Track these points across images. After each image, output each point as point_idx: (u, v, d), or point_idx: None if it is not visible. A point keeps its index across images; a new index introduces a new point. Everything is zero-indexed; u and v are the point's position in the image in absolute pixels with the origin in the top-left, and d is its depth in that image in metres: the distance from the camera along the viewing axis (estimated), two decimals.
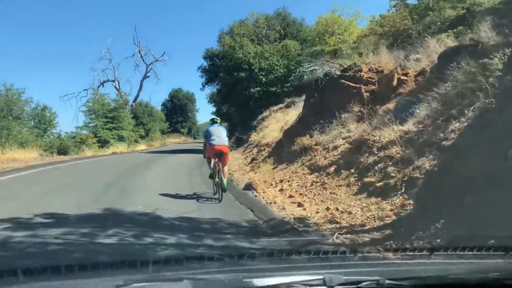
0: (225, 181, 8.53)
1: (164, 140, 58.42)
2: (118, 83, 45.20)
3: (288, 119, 17.73)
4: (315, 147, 11.07)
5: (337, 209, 7.02)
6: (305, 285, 1.46)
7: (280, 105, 23.81)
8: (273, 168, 12.39)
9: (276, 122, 20.63)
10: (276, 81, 26.73)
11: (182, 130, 78.71)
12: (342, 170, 8.69)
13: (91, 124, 38.13)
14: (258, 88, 26.60)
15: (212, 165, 8.77)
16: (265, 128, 21.43)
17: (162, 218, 6.85)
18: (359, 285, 1.47)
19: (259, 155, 15.38)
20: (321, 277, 1.46)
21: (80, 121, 60.07)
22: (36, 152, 24.93)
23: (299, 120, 14.55)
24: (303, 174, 10.32)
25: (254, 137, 21.58)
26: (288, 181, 10.26)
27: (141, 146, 41.59)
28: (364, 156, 8.37)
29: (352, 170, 8.36)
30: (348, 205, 7.13)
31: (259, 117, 25.21)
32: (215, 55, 31.50)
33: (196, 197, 9.00)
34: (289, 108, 22.67)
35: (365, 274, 1.61)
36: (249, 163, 15.43)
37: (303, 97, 22.79)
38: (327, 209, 7.15)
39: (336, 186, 8.25)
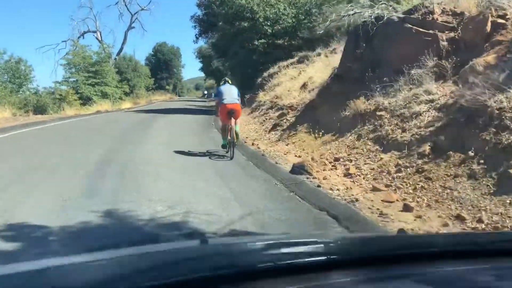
0: (237, 127, 8.82)
1: (150, 97, 54.83)
2: (100, 34, 41.09)
3: (310, 75, 14.80)
4: (379, 113, 8.27)
5: (480, 221, 4.35)
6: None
7: (290, 60, 20.74)
8: (314, 140, 9.59)
9: (291, 80, 17.69)
10: (283, 33, 23.49)
11: (167, 87, 74.74)
12: (450, 152, 5.93)
13: (71, 79, 34.51)
14: (262, 41, 23.37)
15: (226, 133, 8.81)
16: (275, 86, 18.47)
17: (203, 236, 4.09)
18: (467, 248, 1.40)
19: (283, 120, 12.53)
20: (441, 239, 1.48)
21: (59, 75, 55.42)
22: (9, 111, 21.57)
23: (336, 77, 11.65)
24: (369, 151, 7.56)
25: (263, 97, 18.63)
26: (350, 160, 7.52)
27: (126, 104, 38.16)
28: (489, 131, 5.62)
29: (471, 153, 5.62)
30: (495, 213, 4.46)
31: (265, 74, 22.15)
32: (212, 2, 27.77)
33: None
34: (301, 63, 19.69)
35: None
36: (270, 130, 12.59)
37: (317, 51, 19.90)
38: (461, 219, 4.46)
39: (449, 176, 5.52)
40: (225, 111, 8.66)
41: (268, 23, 23.50)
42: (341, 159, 7.76)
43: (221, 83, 9.41)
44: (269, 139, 11.52)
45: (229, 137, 8.68)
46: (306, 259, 1.25)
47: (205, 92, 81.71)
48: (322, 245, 1.37)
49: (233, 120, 8.62)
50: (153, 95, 59.61)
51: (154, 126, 15.50)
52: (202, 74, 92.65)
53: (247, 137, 12.13)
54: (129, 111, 29.73)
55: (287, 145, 10.15)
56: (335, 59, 15.23)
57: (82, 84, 33.16)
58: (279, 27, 23.29)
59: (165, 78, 72.84)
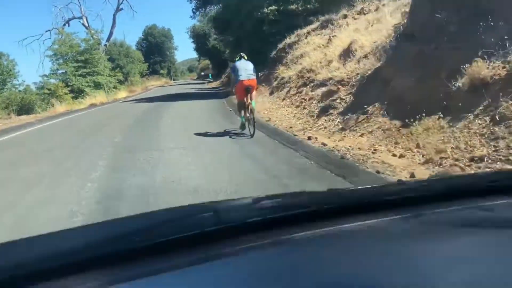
0: (253, 102, 8.47)
1: (145, 84, 51.50)
2: (87, 20, 37.51)
3: (351, 40, 11.67)
4: None
5: None
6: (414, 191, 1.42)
7: (311, 27, 17.54)
8: (405, 127, 6.55)
9: (319, 49, 14.58)
10: None
11: (161, 71, 71.24)
12: None
13: (59, 71, 31.24)
14: (273, 7, 20.07)
15: (244, 111, 8.52)
16: (299, 58, 15.35)
17: None
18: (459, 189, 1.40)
19: (335, 101, 9.45)
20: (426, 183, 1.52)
21: (46, 69, 51.85)
22: None
23: (404, 37, 8.58)
24: None
25: (285, 72, 15.56)
26: (502, 158, 4.58)
27: (122, 93, 34.93)
28: None
29: None
30: None
31: (280, 46, 18.96)
32: None
33: None
34: (325, 29, 16.52)
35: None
36: (320, 115, 9.54)
37: (342, 13, 16.70)
38: None
39: None
40: (242, 87, 8.34)
41: None
42: (485, 159, 4.79)
43: (236, 59, 9.11)
44: (325, 128, 8.49)
45: (247, 114, 8.45)
46: (295, 211, 1.26)
47: (202, 73, 78.17)
48: (311, 196, 1.40)
49: (251, 95, 8.41)
50: (148, 81, 56.27)
51: (164, 120, 12.43)
52: (194, 55, 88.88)
53: (291, 127, 9.14)
54: (126, 101, 26.57)
55: (361, 135, 7.14)
56: (381, 17, 12.12)
57: (71, 76, 29.95)
58: None
59: (158, 62, 69.31)
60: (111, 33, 38.47)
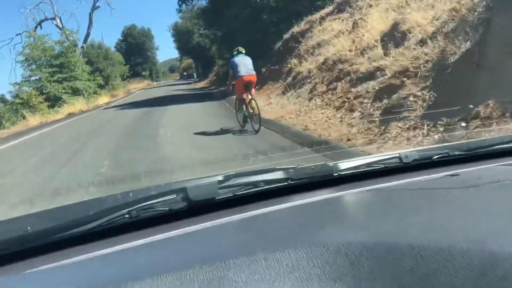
0: (255, 104, 8.16)
1: (127, 87, 48.33)
2: (60, 20, 34.19)
3: (395, 22, 9.03)
4: None
5: None
6: (383, 163, 1.46)
7: (324, 11, 14.87)
8: None
9: (342, 35, 11.97)
10: None
11: (144, 73, 67.89)
12: None
13: (33, 78, 28.02)
14: None
15: (245, 106, 8.32)
16: (318, 48, 12.72)
17: None
18: (432, 159, 1.50)
19: (406, 100, 6.72)
20: (397, 155, 1.47)
21: (19, 76, 48.18)
22: None
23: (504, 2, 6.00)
24: None
25: (302, 65, 12.90)
26: None
27: (104, 99, 31.89)
28: None
29: None
30: None
31: (286, 36, 16.28)
32: None
33: None
34: (343, 12, 13.90)
35: (434, 150, 1.64)
36: (384, 121, 6.77)
37: None
38: None
39: None
40: (241, 84, 8.15)
41: None
42: None
43: (234, 53, 8.76)
44: (407, 139, 5.79)
45: (250, 110, 8.22)
46: (265, 187, 1.30)
47: (185, 73, 75.00)
48: (280, 172, 1.39)
49: (250, 91, 8.27)
50: (130, 84, 53.10)
51: (162, 133, 9.64)
52: (174, 55, 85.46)
53: (349, 139, 6.42)
54: (109, 107, 23.58)
55: None
56: None
57: (46, 82, 26.85)
58: None
59: (140, 63, 65.99)
60: (88, 34, 35.30)
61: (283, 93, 13.06)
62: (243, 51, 8.68)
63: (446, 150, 1.53)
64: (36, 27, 34.46)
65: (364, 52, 9.73)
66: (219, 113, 12.72)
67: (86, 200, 1.32)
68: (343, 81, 9.52)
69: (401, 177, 1.40)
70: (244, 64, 8.26)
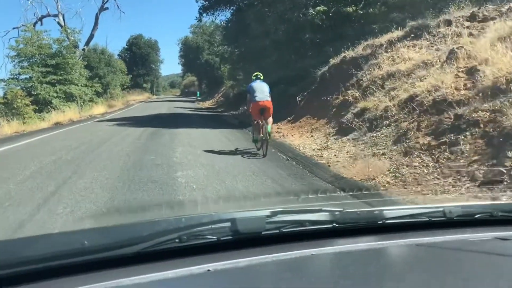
0: (269, 127, 8.26)
1: (126, 98, 44.80)
2: (63, 18, 30.79)
3: None
4: None
5: None
6: (427, 216, 1.45)
7: (392, 35, 11.60)
8: None
9: (435, 67, 8.70)
10: None
11: (144, 85, 64.48)
12: None
13: (22, 76, 24.41)
14: (321, 8, 14.12)
15: (258, 130, 8.41)
16: (393, 80, 9.45)
17: None
18: (475, 217, 1.47)
19: None
20: (441, 209, 1.47)
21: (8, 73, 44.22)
22: None
23: None
24: None
25: (368, 102, 9.58)
26: None
27: (100, 108, 28.32)
28: None
29: None
30: None
31: (335, 61, 13.00)
32: None
33: None
34: (418, 39, 10.72)
35: (478, 208, 1.63)
36: None
37: (443, 17, 11.00)
38: None
39: None
40: (257, 108, 8.27)
41: None
42: None
43: (253, 78, 8.92)
44: None
45: (261, 135, 8.31)
46: (311, 227, 1.30)
47: (186, 90, 71.88)
48: (327, 213, 1.38)
49: (265, 118, 8.28)
50: (130, 94, 49.55)
51: (182, 187, 6.16)
52: (177, 71, 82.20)
53: None
54: (104, 119, 20.01)
55: None
56: None
57: (37, 83, 23.23)
58: None
59: (142, 75, 62.60)
60: (91, 36, 31.84)
61: (339, 133, 9.64)
62: (261, 77, 8.82)
63: (490, 210, 1.51)
64: (36, 23, 31.05)
65: (486, 92, 6.42)
66: (250, 150, 9.24)
67: (141, 221, 1.38)
68: (467, 134, 6.10)
69: (445, 232, 1.40)
70: (261, 90, 8.36)
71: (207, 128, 14.32)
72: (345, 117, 9.92)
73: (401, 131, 7.53)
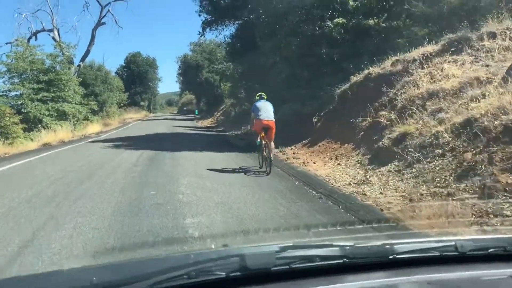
0: (270, 149, 8.32)
1: (123, 116, 43.23)
2: (58, 33, 29.39)
3: None
4: None
5: None
6: (439, 251, 1.44)
7: (424, 50, 10.11)
8: None
9: (492, 85, 7.24)
10: (374, 7, 12.98)
11: (142, 103, 63.01)
12: None
13: (12, 93, 22.82)
14: (340, 20, 12.71)
15: (258, 138, 8.64)
16: (441, 100, 8.01)
17: None
18: (488, 251, 1.45)
19: None
20: (453, 243, 1.45)
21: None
22: None
23: None
24: None
25: (407, 125, 8.09)
26: None
27: (95, 127, 26.73)
28: None
29: None
30: None
31: (358, 78, 11.54)
32: None
33: None
34: (459, 53, 9.27)
35: (491, 241, 1.58)
36: None
37: (484, 29, 9.59)
38: None
39: None
40: (260, 126, 8.47)
41: None
42: None
43: (256, 98, 9.03)
44: None
45: (264, 153, 8.46)
46: (321, 263, 1.28)
47: (185, 108, 70.43)
48: (337, 248, 1.37)
49: (268, 139, 8.38)
50: (126, 112, 47.97)
51: (191, 241, 4.60)
52: (174, 89, 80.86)
53: None
54: (98, 139, 18.41)
55: None
56: None
57: (27, 100, 21.60)
58: None
59: (139, 92, 61.13)
60: (87, 51, 30.37)
61: (374, 162, 8.09)
62: (265, 97, 8.92)
63: (504, 244, 1.47)
64: (30, 38, 29.66)
65: None
66: (266, 180, 7.65)
67: (149, 257, 1.40)
68: None
69: (457, 268, 1.37)
70: (265, 110, 8.50)
71: (212, 151, 12.74)
72: (380, 142, 8.38)
73: (465, 163, 5.98)
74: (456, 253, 1.41)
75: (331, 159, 9.50)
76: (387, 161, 7.75)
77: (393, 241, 1.48)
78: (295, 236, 3.30)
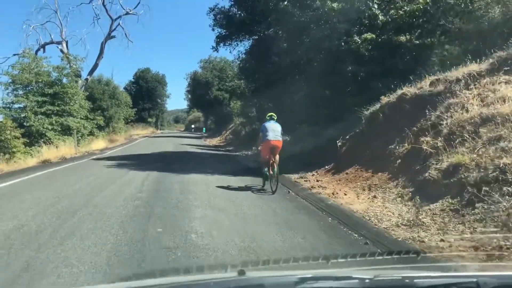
0: (276, 168, 8.51)
1: (129, 132, 42.31)
2: (67, 45, 28.63)
3: None
4: None
5: None
6: (461, 287, 1.37)
7: (469, 69, 8.91)
8: None
9: None
10: (405, 23, 11.89)
11: (149, 119, 62.20)
12: None
13: (16, 106, 21.89)
14: (369, 35, 11.63)
15: (266, 168, 8.77)
16: (498, 126, 6.75)
17: None
18: None
19: None
20: (475, 280, 1.38)
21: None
22: None
23: None
24: None
25: (463, 154, 6.81)
26: None
27: (100, 143, 25.76)
28: None
29: None
30: None
31: (390, 98, 10.39)
32: None
33: None
34: (509, 73, 8.07)
35: None
36: None
37: None
38: None
39: None
40: (268, 146, 8.63)
41: (378, 2, 11.93)
42: None
43: (267, 118, 9.17)
44: None
45: (271, 172, 8.59)
46: None
47: (192, 126, 69.52)
48: (356, 281, 1.33)
49: (273, 155, 8.58)
50: (133, 128, 47.10)
51: None
52: (182, 106, 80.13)
53: None
54: (102, 157, 17.31)
55: None
56: None
57: (31, 113, 20.65)
58: (401, 11, 11.67)
59: (147, 109, 60.40)
60: (96, 65, 29.49)
61: (420, 196, 6.84)
62: (275, 118, 9.05)
63: None
64: (38, 50, 28.93)
65: None
66: (303, 222, 6.45)
67: (171, 284, 1.33)
68: None
69: None
70: (273, 130, 8.69)
71: (224, 174, 11.54)
72: (426, 174, 7.14)
73: None
74: None
75: (364, 189, 8.26)
76: (436, 196, 6.51)
77: (414, 275, 1.46)
78: (314, 267, 3.07)
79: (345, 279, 1.37)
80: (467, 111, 7.74)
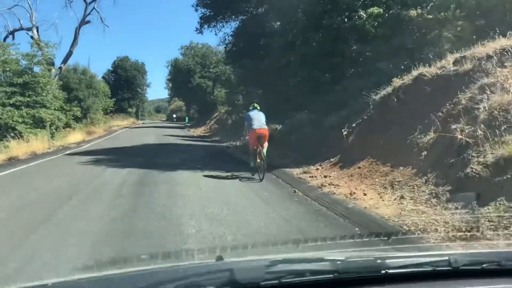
0: (264, 150, 8.58)
1: (109, 123, 40.39)
2: (37, 31, 26.54)
3: None
4: None
5: None
6: (432, 265, 1.37)
7: (500, 44, 7.68)
8: None
9: None
10: None
11: (129, 109, 60.08)
12: None
13: None
14: (375, 10, 10.29)
15: (255, 156, 8.69)
16: None
17: None
18: (482, 266, 1.38)
19: None
20: (446, 258, 1.40)
21: None
22: None
23: None
24: None
25: (510, 146, 5.53)
26: None
27: (77, 135, 23.98)
28: None
29: None
30: None
31: (404, 80, 9.11)
32: None
33: None
34: None
35: (485, 256, 1.54)
36: None
37: None
38: None
39: None
40: (254, 135, 8.65)
41: None
42: None
43: (250, 108, 9.33)
44: None
45: (258, 160, 8.55)
46: (311, 277, 1.21)
47: (174, 116, 67.55)
48: (327, 262, 1.32)
49: (261, 144, 8.59)
50: (113, 119, 45.07)
51: None
52: (162, 96, 77.57)
53: None
54: (79, 152, 15.73)
55: None
56: None
57: None
58: None
59: (127, 99, 58.28)
60: (70, 53, 27.48)
61: (460, 197, 5.60)
62: (258, 107, 9.20)
63: (498, 259, 1.42)
64: (6, 37, 26.86)
65: None
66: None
67: (138, 270, 1.27)
68: None
69: (451, 283, 1.32)
70: (258, 119, 8.78)
71: (215, 169, 10.15)
72: (467, 169, 5.88)
73: None
74: (449, 268, 1.36)
75: (385, 188, 6.99)
76: (485, 198, 5.27)
77: (386, 256, 1.44)
78: (285, 251, 2.90)
79: (316, 261, 1.36)
80: (507, 92, 6.50)
